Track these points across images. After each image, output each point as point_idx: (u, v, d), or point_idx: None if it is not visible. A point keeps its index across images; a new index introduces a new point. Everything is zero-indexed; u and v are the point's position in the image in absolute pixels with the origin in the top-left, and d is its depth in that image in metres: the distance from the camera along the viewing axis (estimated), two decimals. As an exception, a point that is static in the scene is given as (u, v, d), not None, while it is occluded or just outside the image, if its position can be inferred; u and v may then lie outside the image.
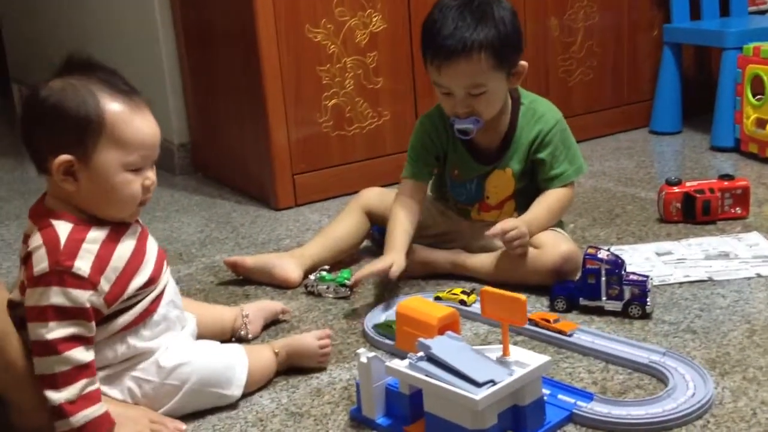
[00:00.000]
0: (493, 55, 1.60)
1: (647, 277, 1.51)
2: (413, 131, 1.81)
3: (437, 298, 1.60)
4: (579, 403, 1.22)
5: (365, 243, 1.92)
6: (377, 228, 1.90)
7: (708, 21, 2.88)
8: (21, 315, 1.17)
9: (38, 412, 1.18)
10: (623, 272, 1.51)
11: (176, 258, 1.98)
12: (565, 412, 1.20)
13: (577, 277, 1.58)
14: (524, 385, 1.12)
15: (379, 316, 1.58)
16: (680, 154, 2.67)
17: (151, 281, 1.25)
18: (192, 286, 1.80)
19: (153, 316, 1.26)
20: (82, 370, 1.15)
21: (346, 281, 1.69)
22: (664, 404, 1.20)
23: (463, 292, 1.60)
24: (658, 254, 1.79)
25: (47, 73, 1.21)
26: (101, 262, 1.17)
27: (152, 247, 1.29)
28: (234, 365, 1.30)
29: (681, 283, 1.64)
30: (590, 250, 1.53)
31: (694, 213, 1.96)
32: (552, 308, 1.56)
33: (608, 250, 1.55)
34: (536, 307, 1.58)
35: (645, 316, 1.50)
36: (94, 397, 1.16)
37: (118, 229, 1.22)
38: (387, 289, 1.71)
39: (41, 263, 1.14)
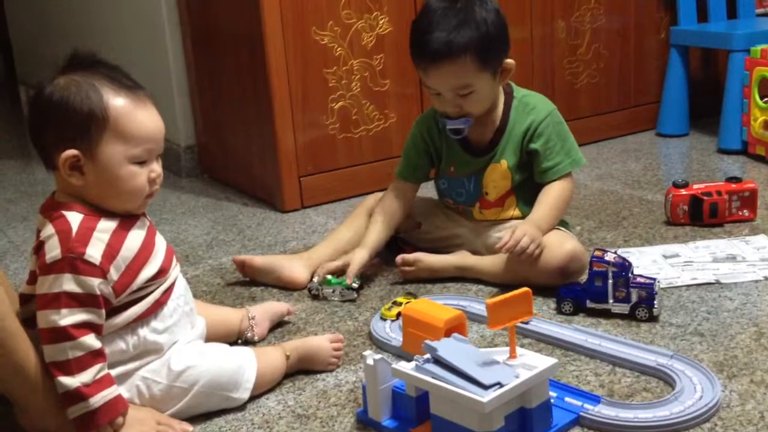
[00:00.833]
0: (478, 56, 1.62)
1: (654, 279, 1.51)
2: (409, 133, 1.84)
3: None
4: (586, 405, 1.21)
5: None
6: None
7: (715, 23, 2.87)
8: (34, 310, 1.18)
9: (46, 414, 1.19)
10: (630, 275, 1.50)
11: (183, 260, 1.99)
12: (572, 415, 1.20)
13: (584, 279, 1.58)
14: (531, 387, 1.12)
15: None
16: (687, 156, 2.67)
17: (162, 272, 1.26)
18: (198, 288, 1.80)
19: (164, 308, 1.27)
20: (96, 355, 1.16)
21: (353, 284, 1.69)
22: (671, 407, 1.20)
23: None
24: (666, 257, 1.79)
25: (46, 76, 1.23)
26: (112, 250, 1.19)
27: (161, 240, 1.30)
28: (243, 368, 1.30)
29: (688, 286, 1.64)
30: (597, 253, 1.53)
31: (701, 215, 1.96)
32: (559, 311, 1.56)
33: (615, 252, 1.55)
34: (543, 309, 1.58)
35: (652, 318, 1.49)
36: (107, 381, 1.18)
37: (127, 221, 1.24)
38: (393, 292, 1.71)
39: (54, 251, 1.16)
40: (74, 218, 1.19)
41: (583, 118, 2.76)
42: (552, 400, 1.18)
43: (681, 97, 2.84)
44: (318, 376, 1.39)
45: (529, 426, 1.13)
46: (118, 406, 1.18)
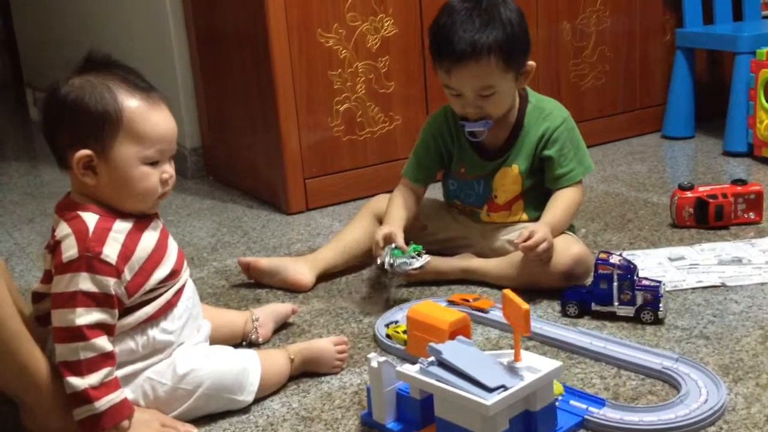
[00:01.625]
0: (503, 57, 1.61)
1: (660, 282, 1.51)
2: (420, 133, 1.83)
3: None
4: (591, 408, 1.21)
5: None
6: (389, 233, 1.91)
7: (721, 25, 2.87)
8: (47, 308, 1.19)
9: (51, 415, 1.19)
10: (635, 277, 1.50)
11: (188, 262, 1.98)
12: (577, 418, 1.19)
13: (589, 282, 1.58)
14: (536, 390, 1.12)
15: (396, 315, 1.58)
16: (693, 158, 2.66)
17: (174, 274, 1.27)
18: (203, 290, 1.80)
19: (174, 309, 1.28)
20: (106, 358, 1.17)
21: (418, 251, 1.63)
22: (676, 410, 1.19)
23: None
24: (671, 259, 1.78)
25: (61, 77, 1.24)
26: (127, 251, 1.20)
27: (173, 242, 1.32)
28: (247, 371, 1.30)
29: (694, 289, 1.63)
30: (602, 255, 1.53)
31: (706, 218, 1.95)
32: (564, 313, 1.55)
33: (620, 255, 1.54)
34: (548, 312, 1.57)
35: (657, 321, 1.49)
36: (114, 384, 1.18)
37: (141, 222, 1.25)
38: (397, 296, 1.71)
39: (70, 250, 1.17)
40: (90, 218, 1.20)
41: (589, 120, 2.75)
42: (557, 403, 1.18)
43: (687, 99, 2.84)
44: (322, 378, 1.39)
45: (533, 429, 1.13)
46: (123, 410, 1.18)
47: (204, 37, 2.61)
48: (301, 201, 2.34)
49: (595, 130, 2.77)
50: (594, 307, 1.53)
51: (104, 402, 1.16)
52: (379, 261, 1.63)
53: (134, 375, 1.25)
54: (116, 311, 1.19)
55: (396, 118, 2.43)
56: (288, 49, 2.24)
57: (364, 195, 2.31)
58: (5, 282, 1.16)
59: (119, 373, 1.21)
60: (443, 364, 1.13)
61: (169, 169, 1.26)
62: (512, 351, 1.16)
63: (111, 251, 1.18)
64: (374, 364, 1.20)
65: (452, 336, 1.22)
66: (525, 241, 1.58)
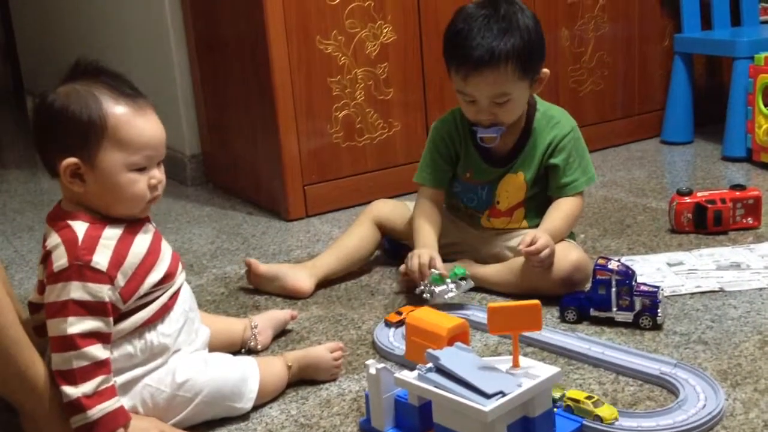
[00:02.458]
0: (520, 64, 1.61)
1: (658, 287, 1.51)
2: (428, 137, 1.83)
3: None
4: (589, 414, 1.21)
5: (376, 254, 1.92)
6: (388, 239, 1.91)
7: (719, 30, 2.87)
8: (44, 318, 1.19)
9: (52, 422, 1.19)
10: (634, 283, 1.50)
11: (187, 269, 1.99)
12: (576, 424, 1.19)
13: (588, 288, 1.58)
14: (534, 396, 1.12)
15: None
16: (691, 164, 2.67)
17: (168, 277, 1.27)
18: (203, 297, 1.80)
19: (171, 312, 1.28)
20: (100, 366, 1.17)
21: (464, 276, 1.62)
22: (674, 416, 1.20)
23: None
24: (669, 265, 1.78)
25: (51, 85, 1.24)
26: (118, 256, 1.20)
27: (166, 245, 1.31)
28: (246, 378, 1.31)
29: (692, 294, 1.64)
30: (601, 261, 1.53)
31: (705, 223, 1.95)
32: (562, 319, 1.56)
33: (619, 260, 1.55)
34: (546, 318, 1.58)
35: (656, 327, 1.49)
36: (109, 393, 1.18)
37: (132, 227, 1.25)
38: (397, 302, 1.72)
39: (60, 260, 1.17)
40: (80, 227, 1.20)
41: (588, 125, 2.75)
42: (555, 409, 1.18)
43: (685, 104, 2.84)
44: (321, 385, 1.39)
45: (531, 435, 1.13)
46: (118, 418, 1.18)
47: (203, 45, 2.61)
48: (300, 207, 2.34)
49: (594, 135, 2.76)
50: (592, 312, 1.53)
51: (97, 411, 1.15)
52: (417, 290, 1.62)
53: (133, 382, 1.25)
54: (111, 319, 1.19)
55: (395, 125, 2.44)
56: (287, 56, 2.24)
57: (363, 201, 2.31)
58: (5, 289, 1.17)
59: (119, 380, 1.22)
60: (441, 371, 1.13)
61: (157, 175, 1.25)
62: (510, 357, 1.17)
63: (101, 258, 1.18)
64: (372, 370, 1.20)
65: (450, 342, 1.22)
66: (528, 246, 1.58)
